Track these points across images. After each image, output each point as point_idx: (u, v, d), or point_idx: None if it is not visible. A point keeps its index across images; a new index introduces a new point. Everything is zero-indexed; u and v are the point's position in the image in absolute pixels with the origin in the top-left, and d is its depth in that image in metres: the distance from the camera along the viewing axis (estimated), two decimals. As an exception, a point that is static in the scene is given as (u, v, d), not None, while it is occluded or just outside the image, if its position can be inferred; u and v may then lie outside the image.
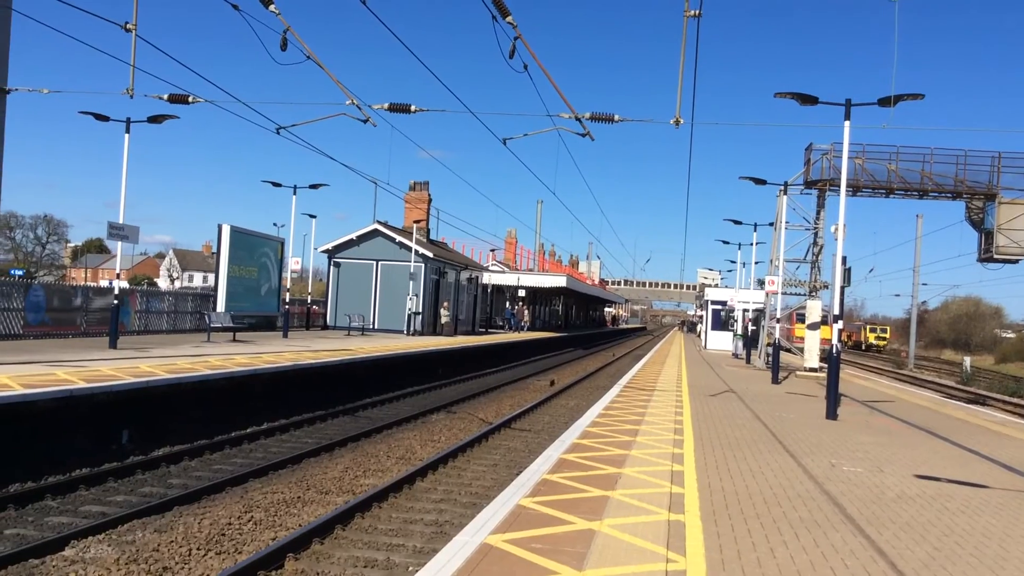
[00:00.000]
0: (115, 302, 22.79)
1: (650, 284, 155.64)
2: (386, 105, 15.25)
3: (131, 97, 16.12)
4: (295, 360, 21.84)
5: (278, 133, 16.69)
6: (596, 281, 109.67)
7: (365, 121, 15.47)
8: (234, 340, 28.69)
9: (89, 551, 9.21)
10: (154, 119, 22.08)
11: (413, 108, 15.30)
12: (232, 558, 9.34)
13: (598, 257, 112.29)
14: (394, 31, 20.30)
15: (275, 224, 74.47)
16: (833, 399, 16.62)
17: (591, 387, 31.95)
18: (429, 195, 49.89)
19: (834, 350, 16.98)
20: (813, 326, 30.15)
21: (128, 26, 16.06)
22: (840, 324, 20.22)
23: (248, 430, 17.39)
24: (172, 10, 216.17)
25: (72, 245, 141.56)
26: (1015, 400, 33.28)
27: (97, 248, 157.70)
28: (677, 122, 14.64)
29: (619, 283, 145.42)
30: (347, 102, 15.14)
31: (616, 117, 14.87)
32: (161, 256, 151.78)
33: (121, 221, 22.36)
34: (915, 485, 9.86)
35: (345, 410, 21.32)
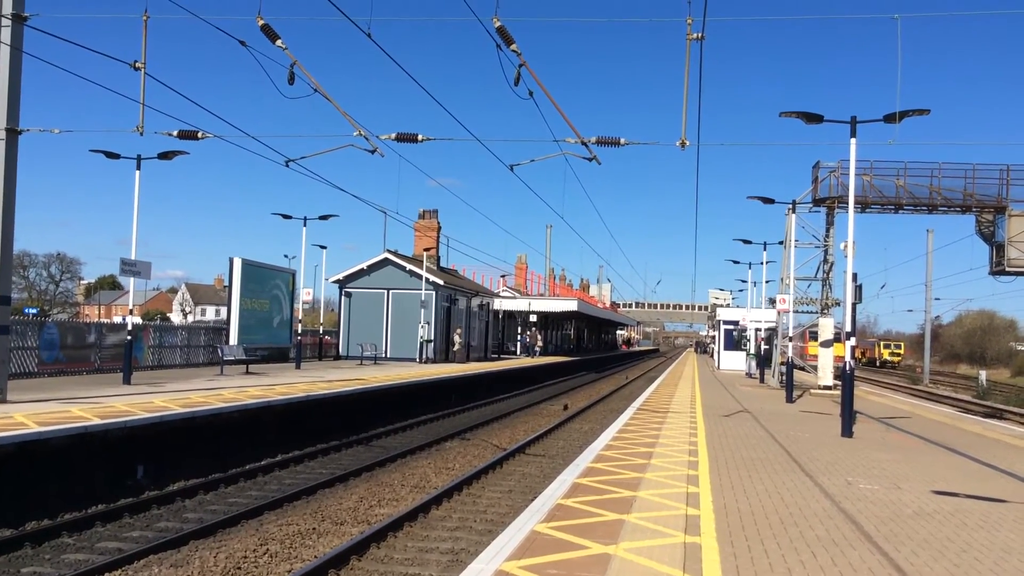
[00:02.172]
0: (128, 338, 22.90)
1: (661, 306, 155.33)
2: (393, 135, 15.37)
3: (141, 135, 16.30)
4: (307, 391, 21.87)
5: (287, 166, 16.83)
6: (607, 304, 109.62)
7: (373, 152, 15.58)
8: (247, 372, 28.76)
9: (106, 588, 9.21)
10: (164, 155, 22.26)
11: (420, 137, 15.41)
12: (249, 591, 9.33)
13: (608, 280, 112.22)
14: (400, 62, 20.56)
15: (286, 256, 74.58)
16: (848, 416, 16.53)
17: (605, 410, 31.86)
18: (438, 223, 50.02)
19: (847, 367, 16.91)
20: (826, 344, 30.04)
21: (137, 64, 16.26)
22: (853, 341, 20.16)
23: (263, 462, 17.39)
24: (180, 46, 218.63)
25: (85, 282, 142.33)
26: (1033, 413, 32.99)
27: (110, 285, 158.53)
28: (683, 144, 14.68)
29: (630, 305, 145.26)
30: (355, 133, 15.27)
31: (622, 140, 14.94)
32: (174, 291, 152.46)
33: (133, 257, 22.52)
34: (933, 501, 9.79)
35: (359, 439, 21.31)
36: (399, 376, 29.64)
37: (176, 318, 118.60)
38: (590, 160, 14.92)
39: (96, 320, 45.97)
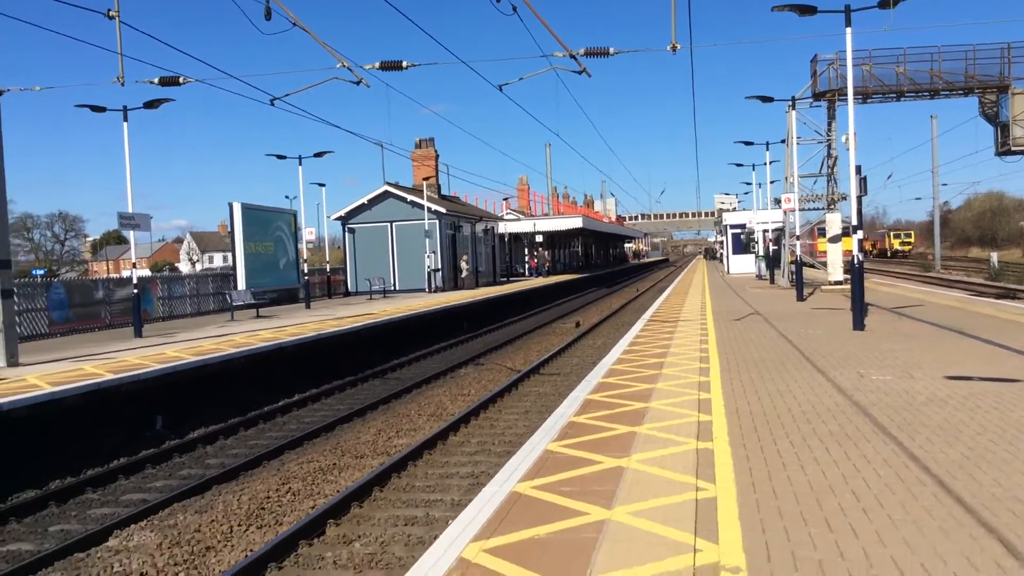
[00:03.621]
0: (135, 291, 22.91)
1: (668, 216, 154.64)
2: (377, 64, 15.03)
3: (122, 85, 16.02)
4: (318, 330, 21.93)
5: (272, 104, 16.53)
6: (613, 218, 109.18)
7: (358, 83, 15.26)
8: (257, 316, 28.86)
9: (132, 539, 9.33)
10: (150, 104, 21.92)
11: (405, 64, 15.08)
12: (274, 530, 9.44)
13: (612, 194, 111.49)
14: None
15: (287, 197, 74.37)
16: (859, 310, 16.46)
17: (617, 324, 31.92)
18: (436, 151, 49.56)
19: (855, 260, 16.78)
20: (834, 239, 29.84)
21: (111, 13, 15.88)
22: (860, 234, 19.98)
23: (280, 403, 17.53)
24: None
25: (91, 239, 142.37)
26: (1046, 291, 32.91)
27: (116, 240, 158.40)
28: (674, 48, 14.32)
29: (636, 218, 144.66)
30: (338, 65, 14.94)
31: (611, 50, 14.56)
32: (180, 241, 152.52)
33: (130, 210, 22.39)
34: (946, 387, 9.76)
35: (374, 373, 21.44)
36: (408, 307, 29.68)
37: (184, 267, 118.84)
38: (580, 73, 14.60)
39: (103, 276, 46.01)
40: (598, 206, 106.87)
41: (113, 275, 72.91)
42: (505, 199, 64.39)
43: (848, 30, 16.00)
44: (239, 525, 9.53)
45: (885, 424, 7.90)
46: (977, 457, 6.63)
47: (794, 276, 27.31)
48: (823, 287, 29.06)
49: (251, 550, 8.73)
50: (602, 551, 4.78)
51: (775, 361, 12.52)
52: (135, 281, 22.95)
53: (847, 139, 16.17)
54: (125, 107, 22.18)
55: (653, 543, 4.87)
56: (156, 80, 16.63)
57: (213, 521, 9.65)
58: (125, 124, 22.40)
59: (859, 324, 16.36)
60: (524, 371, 20.61)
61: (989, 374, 10.52)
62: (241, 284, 33.33)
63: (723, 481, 6.09)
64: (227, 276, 36.41)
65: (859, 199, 19.93)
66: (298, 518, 9.80)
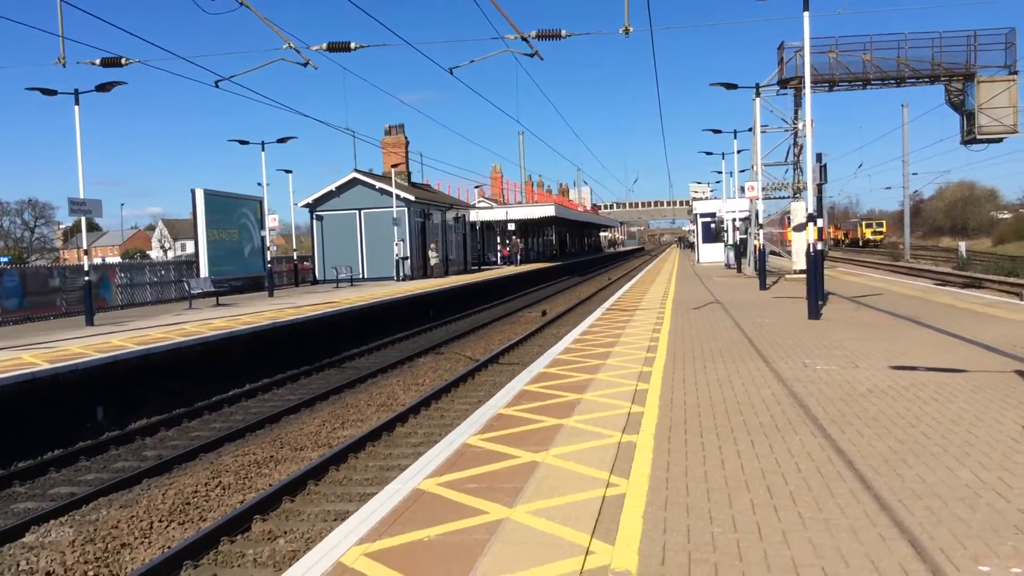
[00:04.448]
0: (87, 279, 22.42)
1: (643, 204, 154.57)
2: (325, 45, 14.64)
3: (64, 66, 15.51)
4: (274, 318, 21.54)
5: (217, 86, 16.09)
6: (588, 207, 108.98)
7: (305, 64, 14.86)
8: (217, 304, 28.40)
9: (50, 535, 8.99)
10: (102, 87, 21.40)
11: (353, 45, 14.69)
12: (196, 526, 9.12)
13: (585, 183, 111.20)
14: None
15: (259, 184, 73.41)
16: (814, 298, 16.30)
17: (584, 312, 31.63)
18: (406, 138, 49.09)
19: (810, 249, 16.61)
20: (799, 228, 29.62)
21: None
22: (821, 222, 19.84)
23: (229, 393, 17.17)
24: None
25: (64, 226, 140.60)
26: (1012, 280, 32.95)
27: (88, 227, 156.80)
28: (627, 31, 14.01)
29: (611, 206, 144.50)
30: (284, 46, 14.53)
31: (564, 32, 14.25)
32: (152, 228, 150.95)
33: (81, 196, 21.88)
34: (889, 377, 9.56)
35: (331, 363, 21.10)
36: (372, 296, 29.33)
37: (156, 254, 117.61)
38: (532, 56, 14.27)
39: (59, 264, 45.06)
40: (573, 195, 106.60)
41: (67, 263, 71.87)
42: (477, 186, 64.00)
43: (806, 14, 15.75)
44: (160, 521, 9.21)
45: (818, 415, 7.68)
46: (905, 451, 6.41)
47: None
48: (787, 276, 28.96)
49: (168, 547, 8.40)
50: (490, 554, 4.51)
51: (723, 350, 12.30)
52: (87, 268, 22.44)
53: (804, 126, 15.93)
54: (76, 90, 21.68)
55: (545, 545, 4.61)
56: (98, 61, 16.15)
57: (134, 517, 9.32)
58: (76, 108, 21.88)
59: (815, 313, 16.18)
60: (483, 360, 20.34)
61: (935, 364, 10.34)
62: (204, 272, 32.86)
63: (637, 477, 5.83)
64: (190, 263, 35.89)
65: (820, 187, 19.79)
66: (224, 513, 9.50)
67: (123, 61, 15.99)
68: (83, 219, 22.43)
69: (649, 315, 18.38)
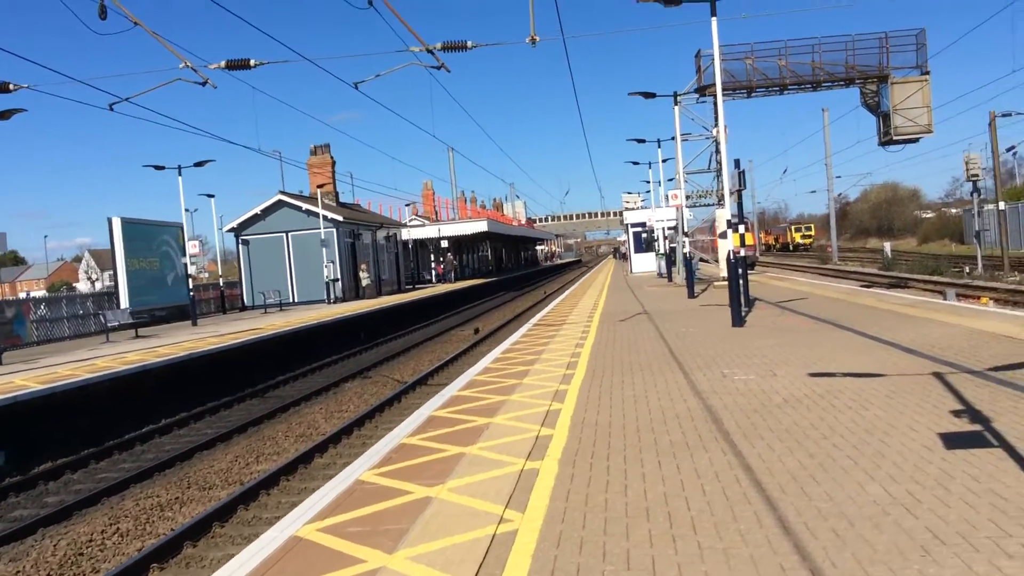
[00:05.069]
0: (-9, 317, 21.42)
1: (577, 216, 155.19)
2: (223, 63, 14.13)
3: (-53, 94, 14.70)
4: (192, 349, 20.80)
5: (111, 109, 15.43)
6: (523, 221, 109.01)
7: (204, 83, 14.32)
8: (136, 336, 27.44)
9: (-76, 598, 8.31)
10: (1, 115, 20.49)
11: (252, 63, 14.21)
12: (86, 580, 8.52)
13: (518, 196, 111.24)
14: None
15: (187, 210, 71.78)
16: (736, 306, 16.20)
17: (516, 328, 31.33)
18: (332, 157, 48.40)
19: (731, 256, 16.52)
20: (723, 235, 29.79)
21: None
22: (743, 228, 19.83)
23: (143, 430, 16.43)
24: None
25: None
26: (935, 279, 33.53)
27: (12, 260, 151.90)
28: (533, 40, 13.77)
29: (546, 219, 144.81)
30: (181, 65, 13.98)
31: (470, 43, 13.94)
32: (79, 260, 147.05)
33: (-18, 230, 20.89)
34: (806, 385, 9.38)
35: (253, 392, 20.42)
36: (300, 320, 28.66)
37: (83, 286, 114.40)
38: (438, 68, 13.95)
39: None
40: (507, 209, 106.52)
41: None
42: (407, 204, 63.47)
43: (714, 19, 15.69)
44: (47, 575, 8.57)
45: (731, 430, 7.43)
46: (815, 466, 6.16)
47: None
48: (716, 283, 28.99)
49: (51, 606, 7.80)
50: (357, 611, 4.10)
51: (643, 364, 12.05)
52: (-9, 305, 21.45)
53: (717, 132, 15.86)
54: (-27, 120, 20.70)
55: (421, 596, 4.21)
56: (-18, 87, 15.39)
57: (19, 573, 8.67)
58: (-27, 138, 20.90)
59: (738, 321, 16.08)
60: (411, 382, 19.90)
61: (853, 369, 10.21)
62: (124, 302, 31.77)
63: (533, 510, 5.47)
64: (110, 294, 34.73)
65: (739, 193, 19.79)
66: (119, 563, 8.90)
67: (11, 87, 15.26)
68: (-15, 254, 21.42)
69: (575, 329, 18.11)
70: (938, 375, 9.37)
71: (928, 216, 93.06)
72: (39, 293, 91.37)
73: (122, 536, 9.83)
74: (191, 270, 35.82)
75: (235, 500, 10.78)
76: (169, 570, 8.63)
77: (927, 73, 29.22)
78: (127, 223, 32.98)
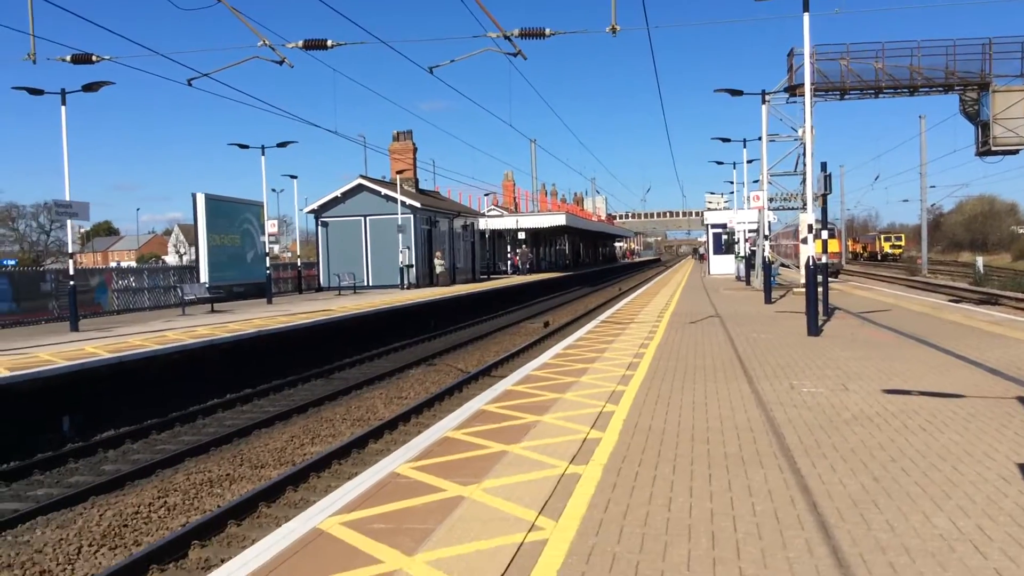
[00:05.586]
0: (71, 284, 21.94)
1: (657, 215, 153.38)
2: (300, 43, 14.07)
3: (34, 63, 15.02)
4: (262, 326, 20.97)
5: (190, 84, 15.55)
6: (603, 217, 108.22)
7: (281, 63, 14.31)
8: (212, 311, 27.88)
9: (-31, 557, 8.38)
10: (89, 87, 20.95)
11: (330, 43, 14.12)
12: (127, 551, 8.50)
13: (599, 192, 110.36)
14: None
15: (274, 190, 73.30)
16: (813, 314, 15.56)
17: (586, 324, 30.95)
18: (413, 144, 48.56)
19: (810, 263, 15.87)
20: (804, 240, 28.86)
21: (22, -13, 14.88)
22: (826, 234, 19.12)
23: (207, 403, 16.58)
24: None
25: (83, 230, 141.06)
26: (1029, 296, 31.98)
27: (106, 231, 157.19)
28: (614, 30, 13.36)
29: (627, 216, 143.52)
30: (259, 44, 13.97)
31: (548, 31, 13.61)
32: (169, 233, 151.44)
33: (67, 198, 21.40)
34: (879, 402, 8.83)
35: (320, 373, 20.50)
36: (371, 304, 28.74)
37: (171, 259, 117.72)
38: (515, 55, 13.63)
39: (47, 267, 44.32)
40: (588, 204, 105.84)
41: (58, 266, 71.61)
42: (486, 194, 63.43)
43: (806, 15, 15.02)
44: (90, 545, 8.59)
45: (792, 445, 6.98)
46: (879, 491, 5.70)
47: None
48: (795, 289, 28.13)
49: (90, 576, 7.79)
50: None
51: (708, 368, 11.58)
52: (72, 272, 21.98)
53: (803, 133, 15.22)
54: (64, 90, 21.22)
55: (432, 606, 3.94)
56: (68, 58, 15.67)
57: (62, 540, 8.70)
58: (63, 108, 21.42)
59: (814, 330, 15.44)
60: (473, 372, 19.72)
61: (931, 388, 9.60)
62: (204, 278, 32.41)
63: (568, 519, 5.15)
64: (191, 269, 35.46)
65: (824, 197, 19.06)
66: (162, 537, 8.87)
67: (94, 58, 15.49)
68: (69, 223, 21.99)
69: (642, 328, 17.66)
70: (1023, 400, 8.72)
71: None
72: (129, 264, 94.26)
73: (169, 510, 9.81)
74: (275, 249, 36.32)
75: (284, 480, 10.70)
76: (209, 547, 8.56)
77: (1032, 82, 27.80)
78: (211, 199, 33.62)
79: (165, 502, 10.04)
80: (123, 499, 10.27)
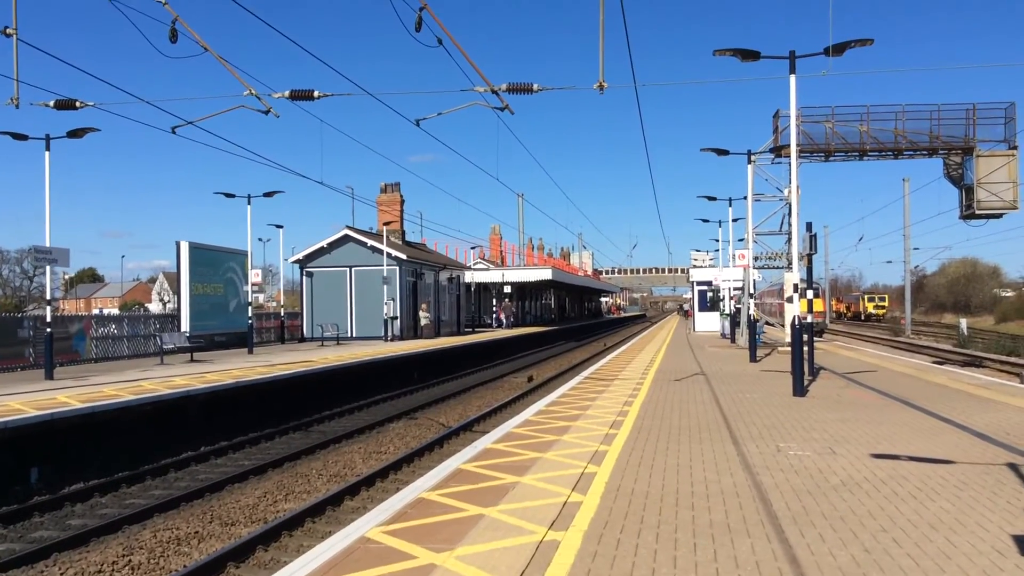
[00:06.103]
0: (47, 331, 21.58)
1: (643, 270, 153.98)
2: (287, 93, 14.02)
3: (17, 107, 14.87)
4: (240, 377, 20.62)
5: (173, 132, 15.44)
6: (589, 271, 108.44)
7: (267, 112, 14.23)
8: (191, 360, 27.48)
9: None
10: (74, 134, 20.84)
11: (317, 94, 14.06)
12: (85, 614, 8.13)
13: (584, 247, 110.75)
14: (289, 23, 19.13)
15: (260, 239, 73.04)
16: (799, 375, 15.38)
17: (570, 379, 30.68)
18: (401, 196, 48.68)
19: (796, 322, 15.75)
20: (789, 299, 28.83)
21: (8, 31, 14.83)
22: (811, 293, 19.05)
23: (182, 456, 16.18)
24: (49, 10, 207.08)
25: (67, 276, 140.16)
26: (1012, 359, 31.97)
27: (90, 277, 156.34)
28: (601, 87, 13.37)
29: (613, 272, 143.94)
30: (244, 93, 13.90)
31: (535, 87, 13.62)
32: (154, 281, 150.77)
33: (48, 244, 21.14)
34: (867, 467, 8.61)
35: (298, 425, 20.11)
36: (353, 356, 28.41)
37: (155, 307, 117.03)
38: (502, 110, 13.63)
39: (20, 314, 43.78)
40: (575, 259, 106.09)
41: (35, 313, 71.13)
42: (472, 247, 63.44)
43: (792, 77, 15.12)
44: (46, 607, 8.20)
45: (779, 513, 6.74)
46: (870, 563, 5.46)
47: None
48: (780, 348, 28.02)
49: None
50: None
51: (693, 428, 11.35)
52: (48, 319, 21.64)
53: (788, 193, 15.20)
54: (48, 136, 21.11)
55: None
56: (51, 103, 15.56)
57: (18, 601, 8.32)
58: (47, 153, 21.29)
59: (800, 390, 15.25)
60: (455, 427, 19.38)
61: (920, 453, 9.40)
62: (185, 326, 32.03)
63: (544, 590, 4.88)
64: (172, 317, 35.09)
65: (809, 257, 19.02)
66: (122, 598, 8.50)
67: (78, 104, 15.39)
68: (48, 268, 21.69)
69: (627, 385, 17.43)
70: (1013, 466, 8.54)
71: (1008, 295, 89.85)
72: (111, 311, 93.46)
73: (132, 569, 9.43)
74: (260, 298, 36.04)
75: (255, 539, 10.33)
76: (173, 610, 8.19)
77: (1015, 148, 28.08)
78: (194, 247, 33.41)
79: (129, 560, 9.65)
80: (87, 556, 9.88)
